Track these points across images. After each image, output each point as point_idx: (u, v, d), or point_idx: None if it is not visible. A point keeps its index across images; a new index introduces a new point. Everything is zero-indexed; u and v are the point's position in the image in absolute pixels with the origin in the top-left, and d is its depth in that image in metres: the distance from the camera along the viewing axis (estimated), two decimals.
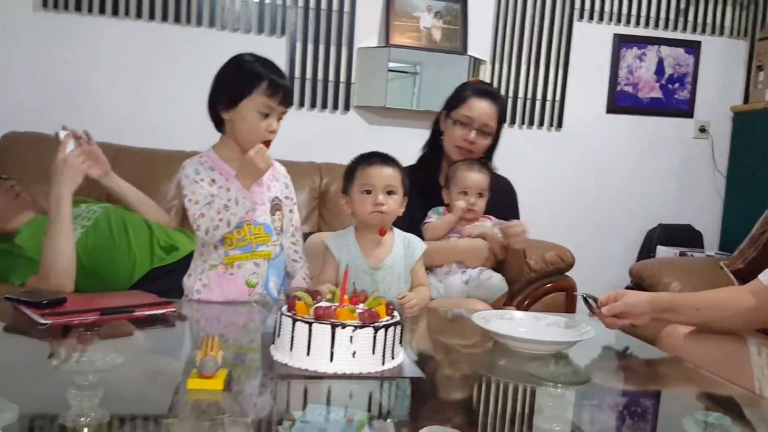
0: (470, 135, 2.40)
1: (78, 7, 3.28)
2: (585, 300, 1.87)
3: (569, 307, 2.80)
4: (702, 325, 1.85)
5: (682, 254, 3.77)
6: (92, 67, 3.35)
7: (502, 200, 2.50)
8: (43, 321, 1.57)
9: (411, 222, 2.27)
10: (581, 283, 2.91)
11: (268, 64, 2.03)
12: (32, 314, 1.60)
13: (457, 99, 2.48)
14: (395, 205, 2.00)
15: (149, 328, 1.70)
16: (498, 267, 2.38)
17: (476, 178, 2.35)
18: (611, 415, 1.37)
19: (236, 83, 1.99)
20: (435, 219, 2.38)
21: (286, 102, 2.00)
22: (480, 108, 2.41)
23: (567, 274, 2.92)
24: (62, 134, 2.05)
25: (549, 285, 2.83)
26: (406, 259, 2.06)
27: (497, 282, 2.27)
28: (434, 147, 2.55)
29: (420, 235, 2.25)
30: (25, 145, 2.90)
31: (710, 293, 1.88)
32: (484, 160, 2.48)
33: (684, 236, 4.05)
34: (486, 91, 2.48)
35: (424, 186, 2.41)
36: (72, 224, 2.09)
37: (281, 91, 1.98)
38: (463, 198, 2.33)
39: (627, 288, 3.16)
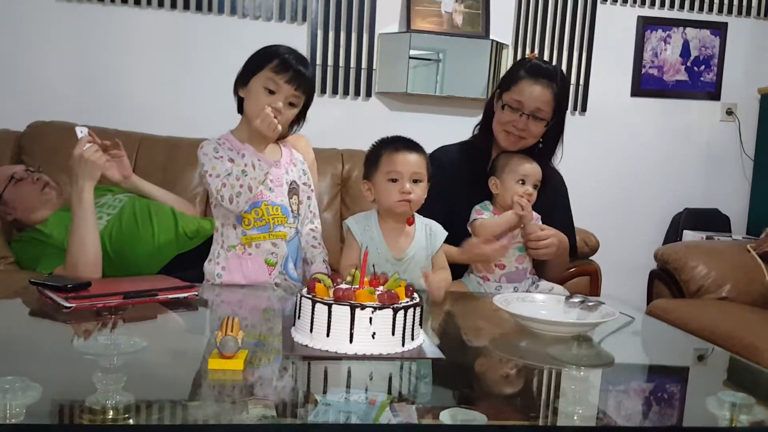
0: (520, 121, 2.19)
1: None
2: None
3: (593, 291, 2.78)
4: None
5: (709, 238, 3.71)
6: (114, 57, 3.37)
7: (555, 195, 2.37)
8: (67, 304, 1.59)
9: (451, 214, 2.16)
10: (607, 268, 2.90)
11: (291, 50, 2.07)
12: (57, 298, 1.62)
13: (509, 79, 2.25)
14: (421, 193, 1.97)
15: (172, 312, 1.71)
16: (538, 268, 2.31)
17: (535, 168, 2.19)
18: (635, 397, 1.35)
19: (252, 61, 2.06)
20: (487, 216, 2.19)
21: (294, 81, 2.01)
22: (532, 92, 2.18)
23: (592, 258, 2.89)
24: (79, 133, 2.04)
25: (573, 269, 2.80)
26: (428, 248, 2.03)
27: (559, 289, 2.23)
28: (486, 130, 2.33)
29: (461, 229, 2.17)
30: (50, 135, 2.91)
31: None
32: (541, 144, 2.29)
33: (711, 220, 3.99)
34: (542, 72, 2.21)
35: (471, 174, 2.28)
36: (95, 217, 2.11)
37: (290, 70, 2.00)
38: (521, 187, 2.16)
39: (652, 272, 3.13)
